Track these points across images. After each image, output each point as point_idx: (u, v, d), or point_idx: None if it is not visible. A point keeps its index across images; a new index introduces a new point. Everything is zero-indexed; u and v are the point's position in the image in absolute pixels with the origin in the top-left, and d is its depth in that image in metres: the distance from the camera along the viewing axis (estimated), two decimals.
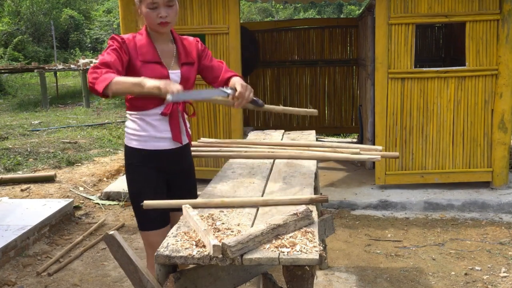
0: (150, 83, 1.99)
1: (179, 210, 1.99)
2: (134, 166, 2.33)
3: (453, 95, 4.78)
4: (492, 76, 4.72)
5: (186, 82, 2.32)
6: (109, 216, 4.73)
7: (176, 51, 2.36)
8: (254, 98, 2.31)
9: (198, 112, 4.94)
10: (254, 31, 7.45)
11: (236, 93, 2.18)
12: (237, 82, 2.28)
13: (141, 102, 2.28)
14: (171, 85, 1.97)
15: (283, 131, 3.48)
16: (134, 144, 2.31)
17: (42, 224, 4.10)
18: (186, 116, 2.43)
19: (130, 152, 2.34)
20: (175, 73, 2.32)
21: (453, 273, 3.42)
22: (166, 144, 2.33)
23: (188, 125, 2.46)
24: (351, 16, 23.59)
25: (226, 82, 2.43)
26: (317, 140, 3.17)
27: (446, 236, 4.07)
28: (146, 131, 2.29)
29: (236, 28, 4.88)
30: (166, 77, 2.25)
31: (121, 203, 5.01)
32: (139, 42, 2.28)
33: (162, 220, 2.36)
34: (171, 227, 2.12)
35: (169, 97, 1.93)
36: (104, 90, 2.01)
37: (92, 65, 2.21)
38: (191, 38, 2.46)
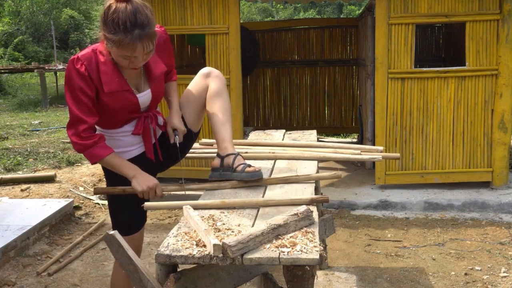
0: (136, 185, 2.06)
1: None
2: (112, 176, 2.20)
3: (453, 95, 4.77)
4: (492, 76, 4.72)
5: (156, 97, 2.19)
6: (109, 216, 4.72)
7: (144, 68, 2.13)
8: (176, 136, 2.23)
9: None
10: (254, 31, 7.44)
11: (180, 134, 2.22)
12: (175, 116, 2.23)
13: (108, 122, 2.15)
14: (152, 192, 2.08)
15: (284, 131, 3.47)
16: None
17: (42, 224, 4.10)
18: (156, 128, 2.25)
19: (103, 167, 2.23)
20: (145, 95, 2.14)
21: (453, 273, 3.42)
22: (138, 150, 2.24)
23: (158, 132, 2.28)
24: (351, 16, 23.58)
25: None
26: (317, 140, 3.17)
27: (446, 236, 4.07)
28: (114, 148, 2.14)
29: (236, 28, 4.88)
30: (136, 104, 2.10)
31: None
32: (102, 67, 1.99)
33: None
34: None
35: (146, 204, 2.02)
36: (95, 163, 2.12)
37: (68, 121, 2.05)
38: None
